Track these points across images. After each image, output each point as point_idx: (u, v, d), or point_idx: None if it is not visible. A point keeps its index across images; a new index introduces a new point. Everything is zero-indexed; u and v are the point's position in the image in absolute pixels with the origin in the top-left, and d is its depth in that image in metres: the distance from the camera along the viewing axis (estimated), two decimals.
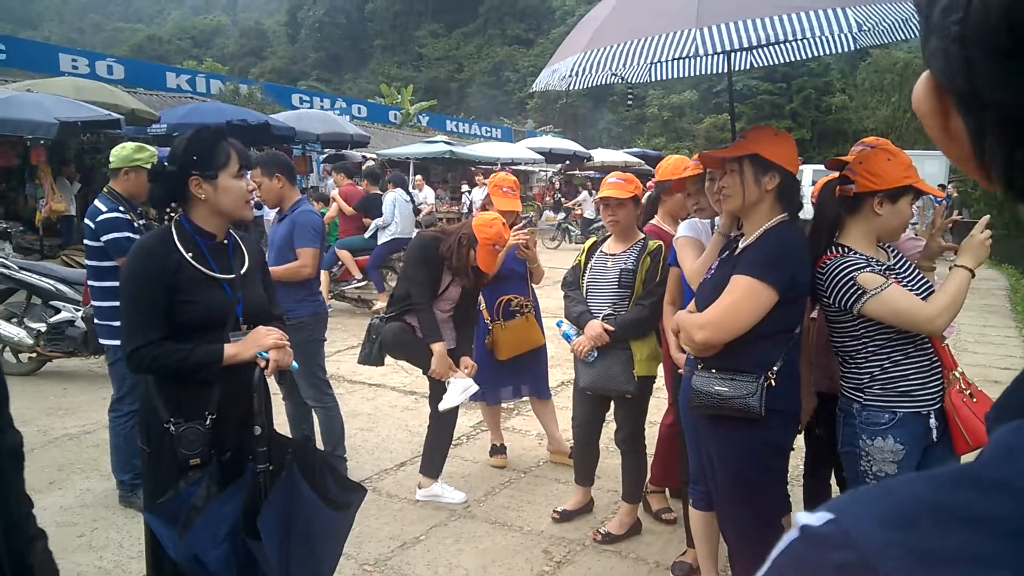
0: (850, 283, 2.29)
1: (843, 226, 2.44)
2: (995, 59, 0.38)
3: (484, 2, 60.72)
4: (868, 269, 2.30)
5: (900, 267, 2.43)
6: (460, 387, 3.81)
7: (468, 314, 4.04)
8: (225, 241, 2.39)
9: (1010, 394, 0.41)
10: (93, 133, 12.05)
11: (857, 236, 2.41)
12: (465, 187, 19.99)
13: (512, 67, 55.01)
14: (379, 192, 9.42)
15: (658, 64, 3.66)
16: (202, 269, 2.27)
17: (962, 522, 0.32)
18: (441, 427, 3.97)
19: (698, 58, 3.61)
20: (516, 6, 60.01)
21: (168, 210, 2.33)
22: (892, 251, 2.50)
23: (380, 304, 8.89)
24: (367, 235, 9.19)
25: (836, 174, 2.52)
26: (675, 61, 3.65)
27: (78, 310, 5.79)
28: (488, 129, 33.86)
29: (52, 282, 5.98)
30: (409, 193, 9.51)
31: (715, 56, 3.61)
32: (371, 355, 4.06)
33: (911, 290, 2.32)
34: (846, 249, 2.39)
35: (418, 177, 16.22)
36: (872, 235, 2.42)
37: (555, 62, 2.90)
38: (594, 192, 20.94)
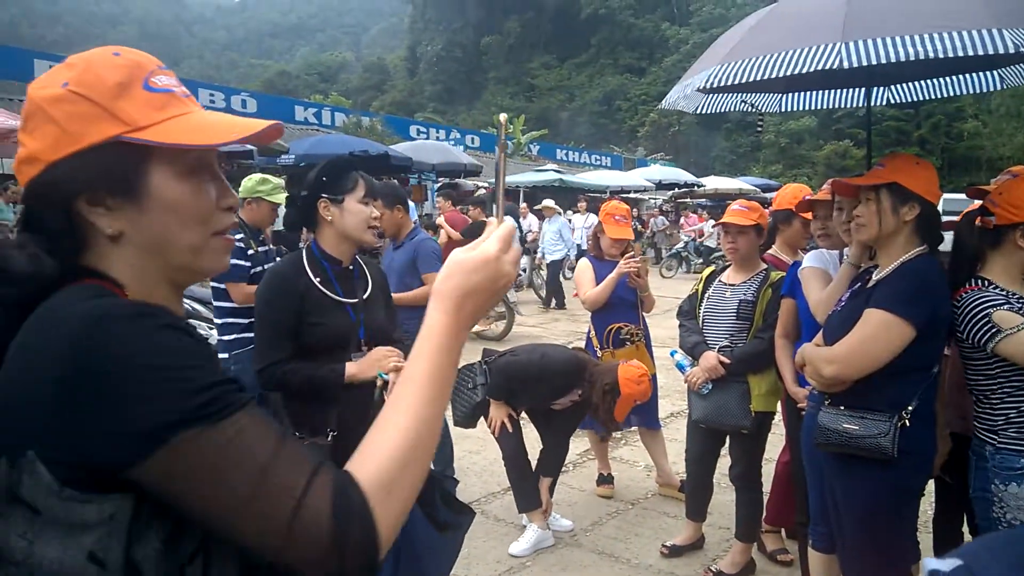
0: (985, 320, 2.15)
1: (984, 259, 2.29)
2: None
3: (597, 32, 61.25)
4: (1007, 307, 2.15)
5: None
6: (535, 539, 3.74)
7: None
8: (351, 267, 2.53)
9: None
10: (227, 162, 12.94)
11: (999, 270, 2.26)
12: (569, 213, 20.06)
13: (623, 96, 55.04)
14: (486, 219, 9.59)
15: (790, 94, 3.58)
16: (328, 293, 2.41)
17: None
18: (512, 462, 3.83)
19: (835, 89, 3.52)
20: (629, 36, 60.16)
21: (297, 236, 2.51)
22: None
23: (488, 328, 9.03)
24: None
25: (977, 203, 2.38)
26: (809, 91, 3.57)
27: (212, 328, 6.20)
28: (598, 157, 33.94)
29: (188, 302, 6.45)
30: (517, 220, 9.64)
31: (853, 88, 3.50)
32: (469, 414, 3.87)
33: None
34: (986, 283, 2.24)
35: (523, 206, 16.40)
36: (1016, 269, 2.26)
37: (687, 77, 2.88)
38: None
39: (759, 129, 36.31)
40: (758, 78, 2.39)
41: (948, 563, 0.34)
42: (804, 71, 2.25)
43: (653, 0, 60.79)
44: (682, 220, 21.58)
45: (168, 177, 0.87)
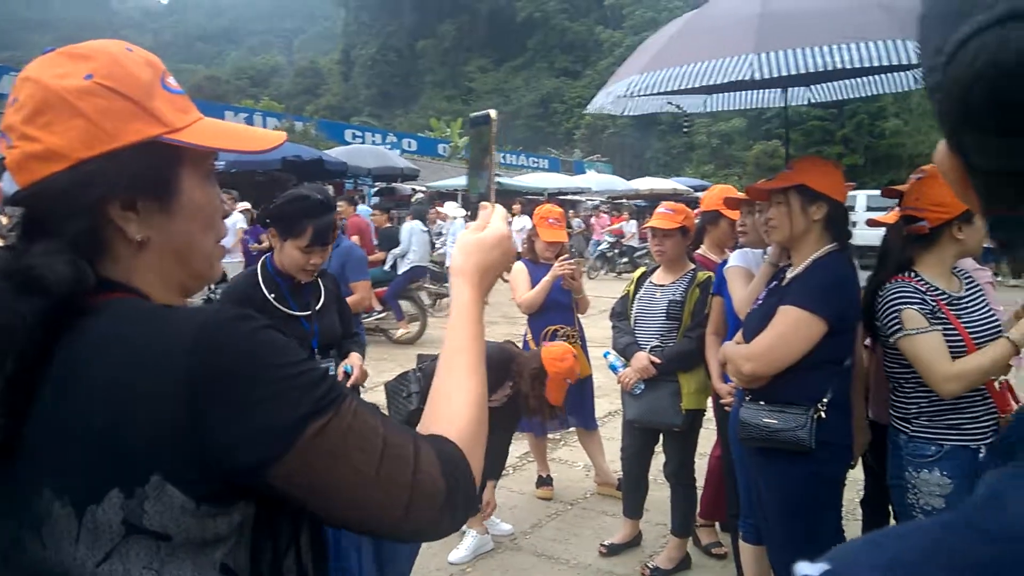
0: (895, 314, 2.26)
1: (915, 259, 2.37)
2: (978, 134, 0.40)
3: (532, 36, 61.66)
4: (918, 306, 2.24)
5: (970, 300, 2.32)
6: (475, 545, 3.73)
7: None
8: (304, 283, 2.71)
9: (1004, 436, 0.41)
10: None
11: (932, 263, 2.34)
12: (508, 217, 20.16)
13: (559, 99, 55.55)
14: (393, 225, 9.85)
15: (714, 95, 3.68)
16: (282, 308, 2.60)
17: (951, 570, 0.33)
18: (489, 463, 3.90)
19: (755, 90, 3.63)
20: (564, 39, 60.76)
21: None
22: (966, 279, 2.40)
23: (403, 331, 9.05)
24: (387, 267, 9.37)
25: (894, 212, 2.47)
26: (731, 92, 3.66)
27: None
28: (535, 160, 34.13)
29: None
30: (426, 223, 9.81)
31: (772, 89, 3.61)
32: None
33: (972, 326, 2.24)
34: (914, 275, 2.33)
35: (439, 210, 16.16)
36: (950, 261, 2.35)
37: (611, 84, 2.93)
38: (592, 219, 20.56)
39: (685, 130, 37.20)
40: (675, 87, 2.47)
41: (818, 566, 0.35)
42: (719, 81, 2.33)
43: (587, 4, 61.57)
44: (593, 221, 21.12)
45: (195, 182, 0.87)
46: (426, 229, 9.59)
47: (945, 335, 2.22)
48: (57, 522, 0.72)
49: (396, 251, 9.22)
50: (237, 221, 9.11)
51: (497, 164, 1.08)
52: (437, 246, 13.49)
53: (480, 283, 1.00)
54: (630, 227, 19.26)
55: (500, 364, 3.60)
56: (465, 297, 0.99)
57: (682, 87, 2.46)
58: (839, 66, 2.16)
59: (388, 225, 9.92)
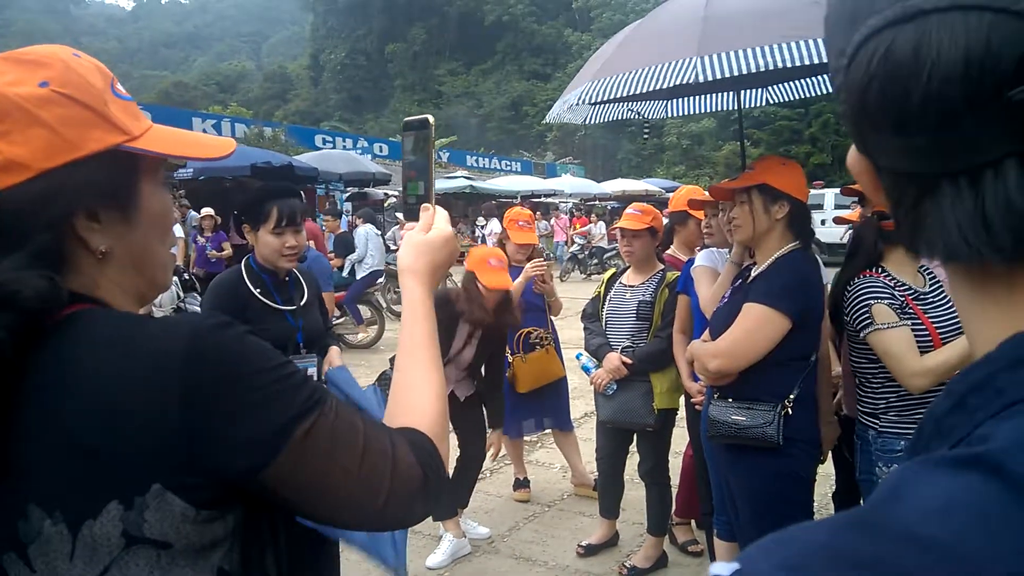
0: (865, 309, 2.31)
1: (883, 255, 2.43)
2: (877, 134, 0.41)
3: (502, 39, 61.76)
4: (887, 300, 2.29)
5: (934, 296, 2.37)
6: (452, 549, 3.73)
7: (493, 362, 3.90)
8: (287, 277, 2.75)
9: (919, 429, 0.42)
10: None
11: (899, 259, 2.40)
12: (481, 220, 20.17)
13: (530, 101, 55.66)
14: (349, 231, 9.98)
15: (675, 100, 3.72)
16: (268, 302, 2.63)
17: (849, 567, 0.32)
18: (468, 464, 3.91)
19: (715, 93, 3.68)
20: (533, 42, 60.95)
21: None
22: (929, 275, 2.45)
23: (361, 335, 9.06)
24: (345, 272, 9.39)
25: (857, 209, 2.52)
26: (692, 96, 3.71)
27: None
28: (508, 163, 34.19)
29: None
30: (378, 227, 9.97)
31: (731, 91, 3.66)
32: None
33: (938, 322, 2.29)
34: (882, 271, 2.39)
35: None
36: (914, 258, 2.39)
37: (567, 92, 2.97)
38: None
39: (645, 136, 37.55)
40: (624, 94, 2.51)
41: (729, 566, 0.36)
42: (665, 86, 2.37)
43: (555, 7, 61.85)
44: (552, 222, 20.81)
45: (152, 190, 0.87)
46: (379, 232, 9.74)
47: (913, 330, 2.26)
48: (49, 541, 0.71)
49: (353, 256, 9.30)
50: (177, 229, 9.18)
51: (434, 167, 1.13)
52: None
53: (430, 282, 1.04)
54: (598, 229, 19.16)
55: (445, 308, 3.60)
56: (419, 295, 1.02)
57: (629, 93, 2.50)
58: (779, 65, 2.20)
59: (342, 231, 10.07)
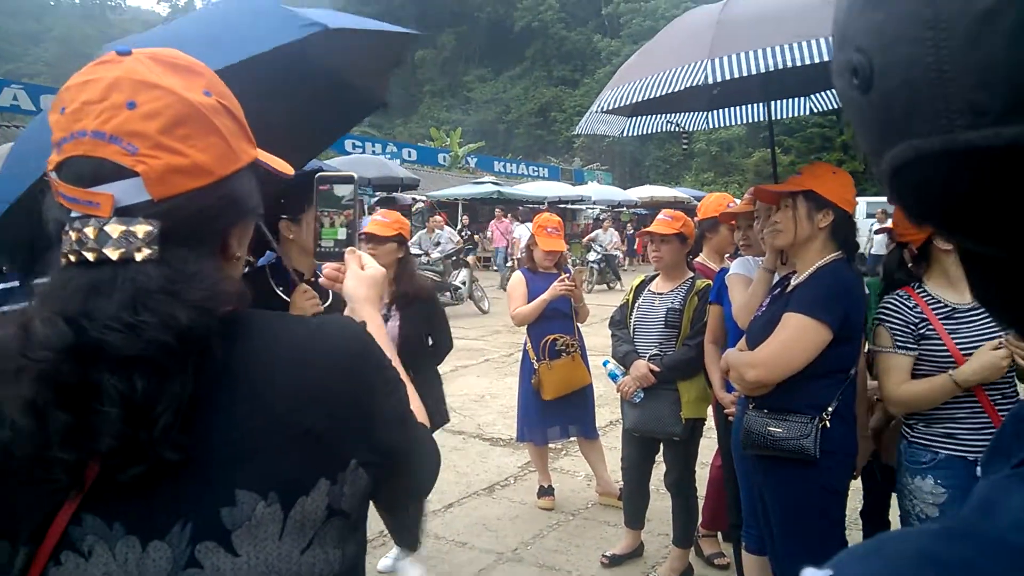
0: (873, 328, 2.37)
1: (923, 274, 2.39)
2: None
3: (530, 45, 61.86)
4: (890, 326, 2.31)
5: (971, 311, 2.28)
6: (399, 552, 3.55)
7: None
8: (314, 278, 2.62)
9: (993, 444, 0.42)
10: None
11: (936, 276, 2.35)
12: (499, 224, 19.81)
13: (559, 107, 55.63)
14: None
15: (712, 112, 3.71)
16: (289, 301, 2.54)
17: (943, 573, 0.33)
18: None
19: (754, 103, 3.65)
20: (562, 48, 60.93)
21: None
22: None
23: None
24: None
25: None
26: (726, 109, 3.69)
27: None
28: (535, 168, 34.18)
29: None
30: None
31: (760, 103, 3.62)
32: None
33: (971, 339, 2.23)
34: (918, 286, 2.36)
35: (436, 217, 15.98)
36: (953, 271, 2.30)
37: (593, 105, 2.97)
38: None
39: (685, 145, 37.44)
40: (638, 100, 2.49)
41: (823, 572, 0.37)
42: (677, 89, 2.35)
43: (584, 13, 61.80)
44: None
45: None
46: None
47: (933, 351, 2.26)
48: (261, 523, 0.75)
49: None
50: None
51: (360, 216, 1.28)
52: (433, 253, 13.57)
53: (379, 308, 1.16)
54: (609, 236, 18.07)
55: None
56: (377, 319, 1.12)
57: (644, 98, 2.49)
58: (790, 65, 2.15)
59: None
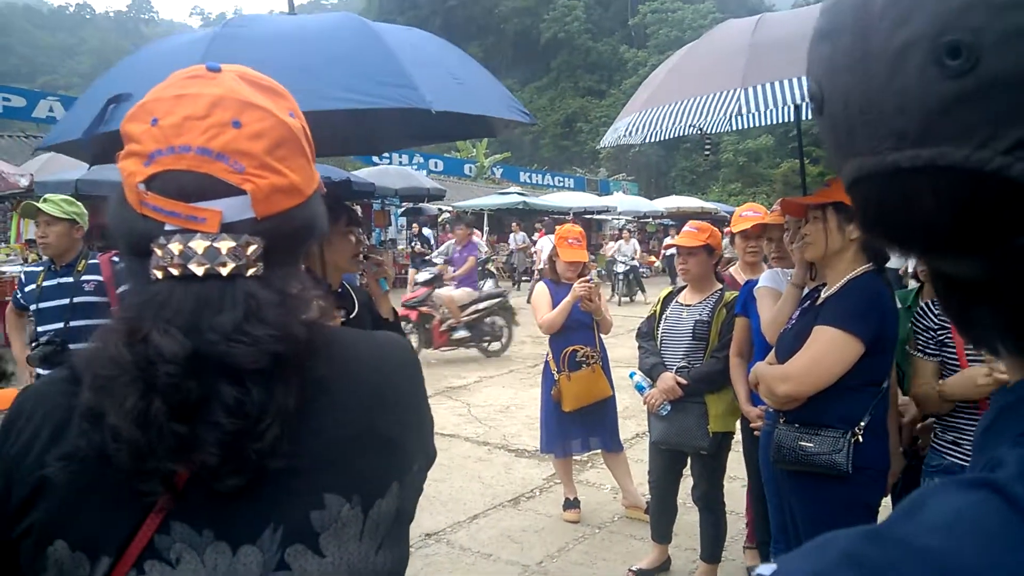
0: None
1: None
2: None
3: (557, 56, 62.01)
4: (919, 329, 2.43)
5: None
6: None
7: None
8: (339, 289, 2.66)
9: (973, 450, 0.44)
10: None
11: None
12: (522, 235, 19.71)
13: (584, 118, 55.68)
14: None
15: (736, 116, 3.68)
16: None
17: (860, 573, 0.34)
18: None
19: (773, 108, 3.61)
20: (588, 59, 61.01)
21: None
22: None
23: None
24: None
25: None
26: (750, 114, 3.65)
27: None
28: (561, 179, 34.18)
29: None
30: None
31: (787, 105, 3.59)
32: None
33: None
34: (926, 304, 2.48)
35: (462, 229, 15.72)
36: None
37: (619, 119, 2.96)
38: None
39: (707, 153, 37.19)
40: (669, 126, 2.47)
41: (770, 567, 0.39)
42: (710, 119, 2.34)
43: (611, 24, 61.86)
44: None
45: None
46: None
47: (949, 359, 2.36)
48: (346, 525, 0.77)
49: None
50: None
51: None
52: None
53: None
54: (630, 247, 17.18)
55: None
56: None
57: (676, 125, 2.48)
58: None
59: None
